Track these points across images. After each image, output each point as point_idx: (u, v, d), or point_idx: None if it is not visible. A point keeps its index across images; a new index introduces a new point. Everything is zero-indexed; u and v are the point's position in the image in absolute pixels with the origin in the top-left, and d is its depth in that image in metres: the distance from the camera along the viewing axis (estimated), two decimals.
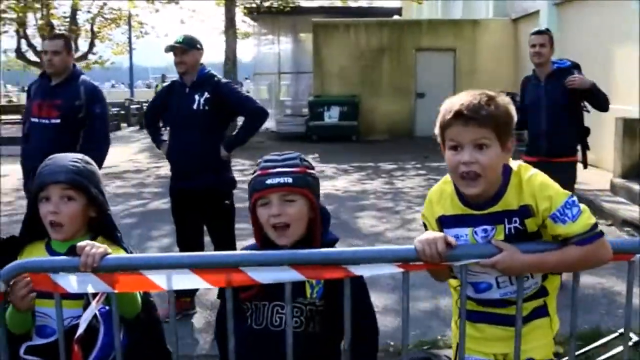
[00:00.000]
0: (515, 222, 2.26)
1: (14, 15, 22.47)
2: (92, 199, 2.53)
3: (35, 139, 5.70)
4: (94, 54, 28.60)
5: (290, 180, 2.40)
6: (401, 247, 2.32)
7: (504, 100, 2.27)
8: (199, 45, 5.53)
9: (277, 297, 2.35)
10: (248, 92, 16.83)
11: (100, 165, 4.94)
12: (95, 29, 28.21)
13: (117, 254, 2.41)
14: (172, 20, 29.27)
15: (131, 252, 2.58)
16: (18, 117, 21.25)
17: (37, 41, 24.85)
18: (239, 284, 2.26)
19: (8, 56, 28.38)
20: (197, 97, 5.35)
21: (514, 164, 2.35)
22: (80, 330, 2.32)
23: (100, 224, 2.59)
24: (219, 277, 2.27)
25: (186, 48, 5.42)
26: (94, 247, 2.23)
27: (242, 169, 11.02)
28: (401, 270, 2.25)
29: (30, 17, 25.49)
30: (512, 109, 2.29)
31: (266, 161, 2.48)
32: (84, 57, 26.55)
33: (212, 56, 17.03)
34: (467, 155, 2.22)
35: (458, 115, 2.22)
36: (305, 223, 2.45)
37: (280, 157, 2.48)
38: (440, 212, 2.40)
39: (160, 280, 2.29)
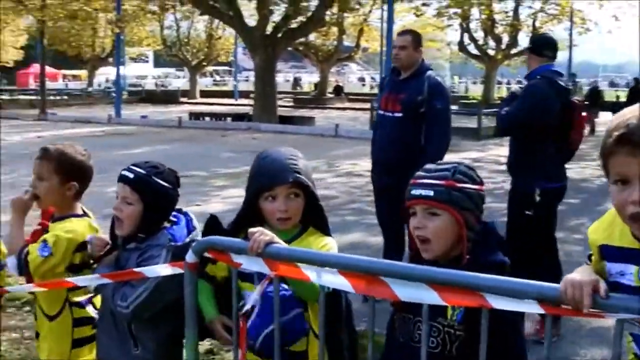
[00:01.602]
0: None
1: (459, 10, 24.86)
2: (311, 193, 2.97)
3: (381, 131, 6.45)
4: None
5: (431, 193, 2.50)
6: (547, 284, 2.11)
7: None
8: None
9: (420, 312, 2.37)
10: None
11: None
12: (537, 24, 29.35)
13: (322, 243, 2.91)
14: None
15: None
16: None
17: (479, 35, 27.10)
18: (379, 295, 2.37)
19: (451, 49, 31.49)
20: None
21: None
22: (246, 307, 2.70)
23: (312, 215, 3.01)
24: (361, 282, 2.41)
25: None
26: (262, 234, 2.58)
27: None
28: (542, 311, 2.10)
29: (474, 11, 27.81)
30: None
31: (422, 170, 2.61)
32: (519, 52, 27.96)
33: None
34: (638, 194, 1.96)
35: (623, 141, 1.94)
36: (449, 239, 2.49)
37: (433, 167, 2.58)
38: (605, 240, 2.20)
39: (311, 274, 2.64)
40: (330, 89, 49.88)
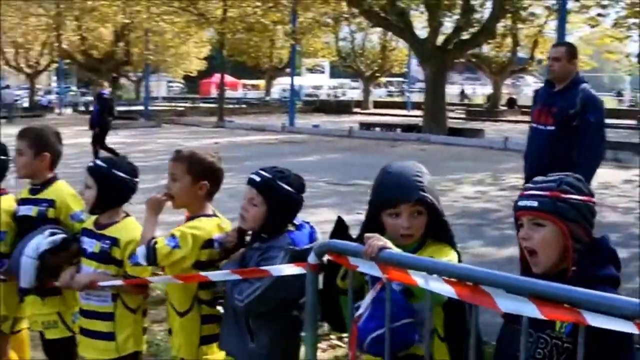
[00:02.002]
0: None
1: (638, 20, 23.66)
2: (435, 209, 3.00)
3: (533, 144, 6.34)
4: None
5: (535, 204, 2.53)
6: None
7: None
8: None
9: (530, 324, 2.38)
10: None
11: (588, 178, 5.29)
12: None
13: (443, 254, 2.95)
14: None
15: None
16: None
17: None
18: (481, 304, 2.43)
19: (630, 61, 29.87)
20: None
21: None
22: (360, 311, 2.84)
23: (436, 230, 3.05)
24: (465, 291, 2.48)
25: None
26: (377, 240, 2.70)
27: None
28: (637, 331, 2.09)
29: None
30: None
31: (530, 182, 2.64)
32: None
33: None
34: None
35: None
36: (555, 251, 2.50)
37: (541, 179, 2.60)
38: None
39: (419, 279, 2.68)
40: (503, 101, 48.94)
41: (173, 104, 56.85)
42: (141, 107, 45.05)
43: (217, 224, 3.65)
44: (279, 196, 3.34)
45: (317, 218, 10.35)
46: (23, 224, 4.24)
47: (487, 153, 22.11)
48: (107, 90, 22.66)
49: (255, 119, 40.37)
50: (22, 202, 4.32)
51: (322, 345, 5.78)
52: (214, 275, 3.45)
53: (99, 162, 3.91)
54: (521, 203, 2.60)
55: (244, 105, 53.49)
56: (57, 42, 45.63)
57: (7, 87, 53.15)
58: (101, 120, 19.59)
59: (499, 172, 17.62)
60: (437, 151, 22.46)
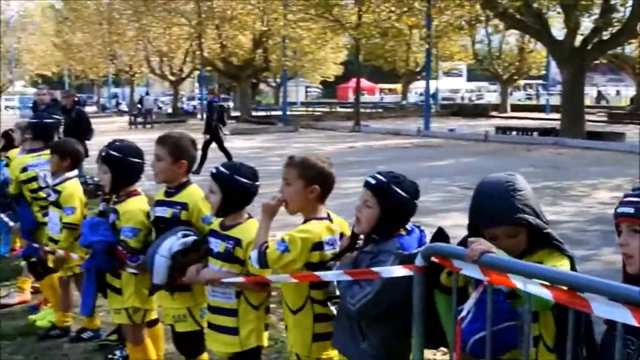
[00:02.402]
0: None
1: None
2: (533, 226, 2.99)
3: None
4: None
5: (631, 210, 2.57)
6: None
7: None
8: None
9: (633, 332, 2.45)
10: None
11: None
12: None
13: (553, 260, 2.95)
14: None
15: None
16: None
17: None
18: (577, 308, 2.51)
19: None
20: None
21: None
22: (463, 313, 2.94)
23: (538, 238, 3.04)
24: (562, 295, 2.56)
25: None
26: (479, 244, 2.80)
27: None
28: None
29: None
30: None
31: (632, 189, 2.67)
32: None
33: None
34: None
35: None
36: None
37: None
38: None
39: (519, 283, 2.75)
40: None
41: (310, 109, 57.74)
42: (280, 112, 46.04)
43: (326, 226, 3.80)
44: (393, 200, 3.45)
45: (448, 222, 10.43)
46: (158, 224, 4.57)
47: (628, 157, 21.31)
48: (217, 97, 23.21)
49: (391, 123, 40.51)
50: (157, 203, 4.64)
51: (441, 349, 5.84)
52: (326, 275, 3.63)
53: (221, 168, 4.14)
54: (619, 210, 2.64)
55: (380, 110, 53.72)
56: (199, 50, 47.27)
57: (147, 94, 55.55)
58: (209, 127, 19.97)
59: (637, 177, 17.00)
60: (574, 155, 21.91)
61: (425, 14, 33.38)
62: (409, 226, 3.57)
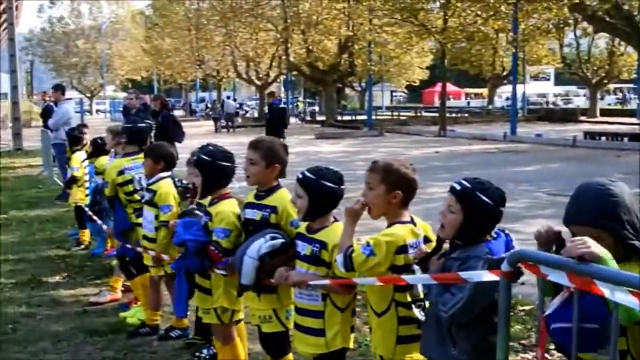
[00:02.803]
0: None
1: None
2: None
3: None
4: None
5: None
6: None
7: None
8: None
9: None
10: None
11: None
12: None
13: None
14: None
15: None
16: None
17: None
18: None
19: None
20: None
21: None
22: (547, 312, 3.00)
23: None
24: None
25: None
26: (580, 247, 2.77)
27: None
28: None
29: None
30: None
31: None
32: None
33: None
34: None
35: None
36: None
37: None
38: None
39: (606, 290, 2.77)
40: None
41: (396, 114, 57.66)
42: (365, 117, 46.15)
43: (410, 229, 3.84)
44: (477, 207, 3.46)
45: (534, 229, 10.24)
46: (247, 226, 4.69)
47: None
48: (278, 100, 23.36)
49: (477, 128, 40.12)
50: (247, 206, 4.75)
51: (528, 355, 5.83)
52: (412, 278, 3.68)
53: (307, 173, 4.21)
54: None
55: (466, 114, 53.27)
56: (285, 55, 47.77)
57: (228, 97, 56.38)
58: (271, 129, 20.10)
59: None
60: None
61: (512, 17, 32.95)
62: (494, 231, 3.58)
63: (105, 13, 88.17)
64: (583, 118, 48.94)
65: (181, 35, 60.19)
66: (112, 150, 8.45)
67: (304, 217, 4.22)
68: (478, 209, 3.47)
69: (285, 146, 4.84)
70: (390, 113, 59.65)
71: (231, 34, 51.98)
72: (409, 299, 3.86)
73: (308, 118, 54.49)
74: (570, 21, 34.78)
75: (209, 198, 5.07)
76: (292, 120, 53.44)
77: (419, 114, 56.10)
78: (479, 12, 34.11)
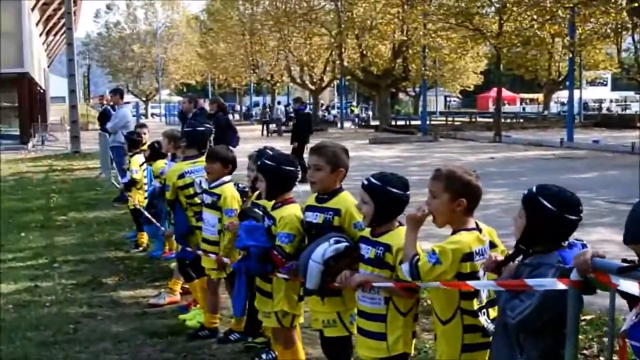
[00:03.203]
0: None
1: None
2: None
3: None
4: None
5: None
6: None
7: None
8: None
9: None
10: None
11: None
12: None
13: None
14: None
15: None
16: None
17: None
18: None
19: None
20: None
21: None
22: (624, 327, 2.98)
23: None
24: None
25: None
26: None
27: None
28: None
29: None
30: None
31: None
32: None
33: None
34: None
35: None
36: None
37: None
38: None
39: None
40: None
41: (450, 119, 57.32)
42: (419, 122, 45.97)
43: (476, 237, 3.82)
44: (539, 213, 3.44)
45: (594, 237, 10.15)
46: (309, 230, 4.70)
47: None
48: (304, 105, 23.34)
49: (532, 133, 39.70)
50: (309, 208, 4.77)
51: None
52: (477, 284, 3.66)
53: (373, 179, 4.20)
54: None
55: (521, 120, 52.73)
56: (339, 59, 47.82)
57: (279, 103, 56.66)
58: (297, 135, 20.06)
59: None
60: None
61: (569, 21, 32.49)
62: (571, 240, 3.53)
63: (161, 18, 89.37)
64: None
65: (235, 39, 60.71)
66: (169, 154, 8.57)
67: (370, 223, 4.22)
68: (540, 215, 3.45)
69: (346, 150, 4.85)
70: (444, 118, 59.28)
71: (285, 39, 52.23)
72: (476, 307, 3.82)
73: (363, 123, 54.46)
74: (629, 25, 34.12)
75: (271, 202, 5.09)
76: (347, 124, 53.71)
77: (473, 119, 55.67)
78: (535, 17, 33.70)
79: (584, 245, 3.52)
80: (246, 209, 5.35)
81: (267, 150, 5.56)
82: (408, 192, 4.22)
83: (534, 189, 3.52)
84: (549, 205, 3.44)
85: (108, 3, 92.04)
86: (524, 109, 70.29)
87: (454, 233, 3.86)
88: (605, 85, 75.05)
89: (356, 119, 56.86)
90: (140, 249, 10.65)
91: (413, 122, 50.38)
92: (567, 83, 38.49)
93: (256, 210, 5.19)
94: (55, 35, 60.69)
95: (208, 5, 71.14)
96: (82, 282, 8.89)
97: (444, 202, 3.83)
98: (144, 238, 10.69)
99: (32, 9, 40.50)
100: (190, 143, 7.09)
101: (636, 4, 26.26)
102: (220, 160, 6.37)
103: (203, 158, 6.64)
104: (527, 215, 3.48)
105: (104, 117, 20.71)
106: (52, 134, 40.35)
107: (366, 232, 4.30)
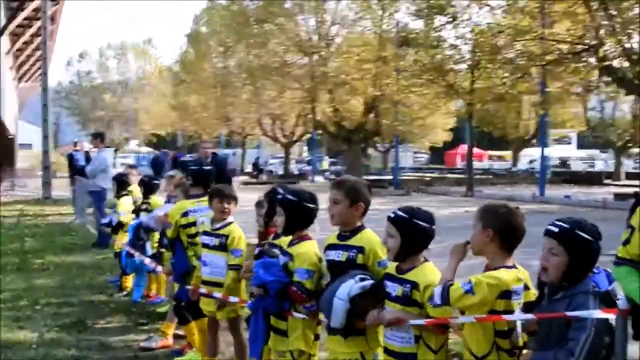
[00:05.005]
0: None
1: None
2: None
3: None
4: None
5: None
6: None
7: None
8: None
9: None
10: None
11: None
12: None
13: None
14: None
15: None
16: None
17: None
18: None
19: None
20: None
21: None
22: None
23: None
24: None
25: None
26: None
27: None
28: None
29: None
30: None
31: None
32: None
33: None
34: None
35: None
36: None
37: None
38: None
39: None
40: None
41: (419, 174, 57.64)
42: (388, 177, 46.12)
43: (516, 276, 3.77)
44: (579, 245, 3.44)
45: None
46: (332, 268, 4.59)
47: None
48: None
49: (502, 189, 39.95)
50: (330, 247, 4.67)
51: None
52: (510, 316, 3.60)
53: (399, 212, 4.19)
54: None
55: (490, 176, 53.16)
56: (312, 113, 48.00)
57: (234, 154, 56.74)
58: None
59: None
60: None
61: (541, 79, 33.01)
62: None
63: (133, 68, 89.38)
64: (608, 181, 48.67)
65: (208, 92, 60.70)
66: (167, 194, 8.49)
67: (396, 257, 4.14)
68: (583, 248, 3.42)
69: (369, 186, 4.79)
70: (414, 173, 59.57)
71: (258, 92, 52.35)
72: (509, 347, 3.75)
73: (332, 177, 54.51)
74: (601, 84, 34.73)
75: (286, 238, 4.99)
76: (317, 178, 53.71)
77: (443, 175, 56.01)
78: (506, 74, 34.14)
79: (605, 270, 3.55)
80: (265, 250, 5.23)
81: (279, 189, 5.47)
82: (434, 226, 4.17)
83: (565, 224, 3.48)
84: (587, 236, 3.43)
85: (81, 52, 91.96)
86: (492, 165, 70.88)
87: (493, 269, 3.82)
88: (570, 143, 76.14)
89: (326, 173, 56.95)
90: (124, 293, 10.43)
91: (383, 177, 50.49)
92: (537, 140, 38.97)
93: (275, 250, 5.07)
94: (26, 81, 60.41)
95: (181, 56, 71.13)
96: (67, 324, 8.68)
97: (479, 232, 3.89)
98: (128, 282, 10.48)
99: (7, 53, 40.29)
100: (196, 182, 7.01)
101: (607, 62, 26.79)
102: (235, 200, 6.32)
103: (206, 197, 6.53)
104: (567, 250, 3.43)
105: (71, 162, 21.02)
106: (23, 180, 39.85)
107: (391, 268, 4.23)
